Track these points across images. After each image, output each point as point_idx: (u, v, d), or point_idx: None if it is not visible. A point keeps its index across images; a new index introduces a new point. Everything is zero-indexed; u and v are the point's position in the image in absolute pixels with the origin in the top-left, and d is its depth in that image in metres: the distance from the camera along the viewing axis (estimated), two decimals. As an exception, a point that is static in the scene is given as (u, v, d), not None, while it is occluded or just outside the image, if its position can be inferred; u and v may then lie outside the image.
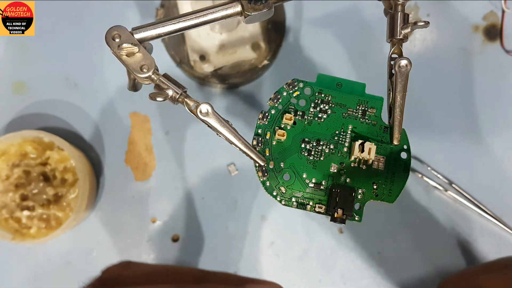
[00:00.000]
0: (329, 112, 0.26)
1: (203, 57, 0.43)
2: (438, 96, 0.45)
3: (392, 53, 0.25)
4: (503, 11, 0.46)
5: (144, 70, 0.23)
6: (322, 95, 0.26)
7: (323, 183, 0.26)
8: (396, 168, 0.26)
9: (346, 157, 0.26)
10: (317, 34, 0.45)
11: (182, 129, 0.44)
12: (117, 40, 0.23)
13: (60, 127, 0.44)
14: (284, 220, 0.43)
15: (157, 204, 0.43)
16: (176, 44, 0.43)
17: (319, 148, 0.26)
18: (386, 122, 0.26)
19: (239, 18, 0.25)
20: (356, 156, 0.25)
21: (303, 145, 0.26)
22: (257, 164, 0.25)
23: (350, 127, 0.26)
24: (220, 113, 0.24)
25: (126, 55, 0.23)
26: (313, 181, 0.26)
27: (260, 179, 0.26)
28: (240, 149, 0.24)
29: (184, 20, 0.24)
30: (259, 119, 0.26)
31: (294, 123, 0.26)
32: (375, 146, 0.25)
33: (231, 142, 0.24)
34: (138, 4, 0.45)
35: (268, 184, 0.26)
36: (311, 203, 0.25)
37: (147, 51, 0.24)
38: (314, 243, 0.43)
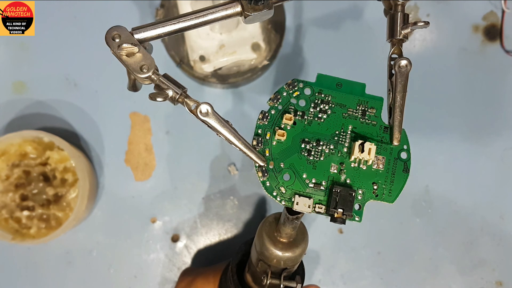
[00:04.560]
0: (329, 112, 0.26)
1: (203, 57, 0.43)
2: (438, 96, 0.45)
3: (392, 53, 0.25)
4: (503, 11, 0.46)
5: (144, 70, 0.23)
6: (322, 95, 0.26)
7: (323, 183, 0.26)
8: (396, 168, 0.26)
9: (346, 157, 0.26)
10: (317, 34, 0.45)
11: (182, 129, 0.44)
12: (117, 40, 0.23)
13: (60, 127, 0.44)
14: (284, 220, 0.43)
15: (157, 204, 0.43)
16: (176, 44, 0.43)
17: (319, 148, 0.26)
18: (386, 122, 0.26)
19: (239, 18, 0.24)
20: (356, 156, 0.25)
21: (303, 145, 0.26)
22: (257, 164, 0.25)
23: (350, 127, 0.26)
24: (220, 113, 0.23)
25: (126, 55, 0.23)
26: (313, 181, 0.26)
27: (260, 179, 0.26)
28: (240, 149, 0.24)
29: (184, 20, 0.24)
30: (259, 119, 0.26)
31: (294, 123, 0.26)
32: (375, 146, 0.25)
33: (231, 142, 0.24)
34: (138, 4, 0.45)
35: (268, 184, 0.26)
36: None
37: (147, 51, 0.24)
38: (314, 243, 0.43)
